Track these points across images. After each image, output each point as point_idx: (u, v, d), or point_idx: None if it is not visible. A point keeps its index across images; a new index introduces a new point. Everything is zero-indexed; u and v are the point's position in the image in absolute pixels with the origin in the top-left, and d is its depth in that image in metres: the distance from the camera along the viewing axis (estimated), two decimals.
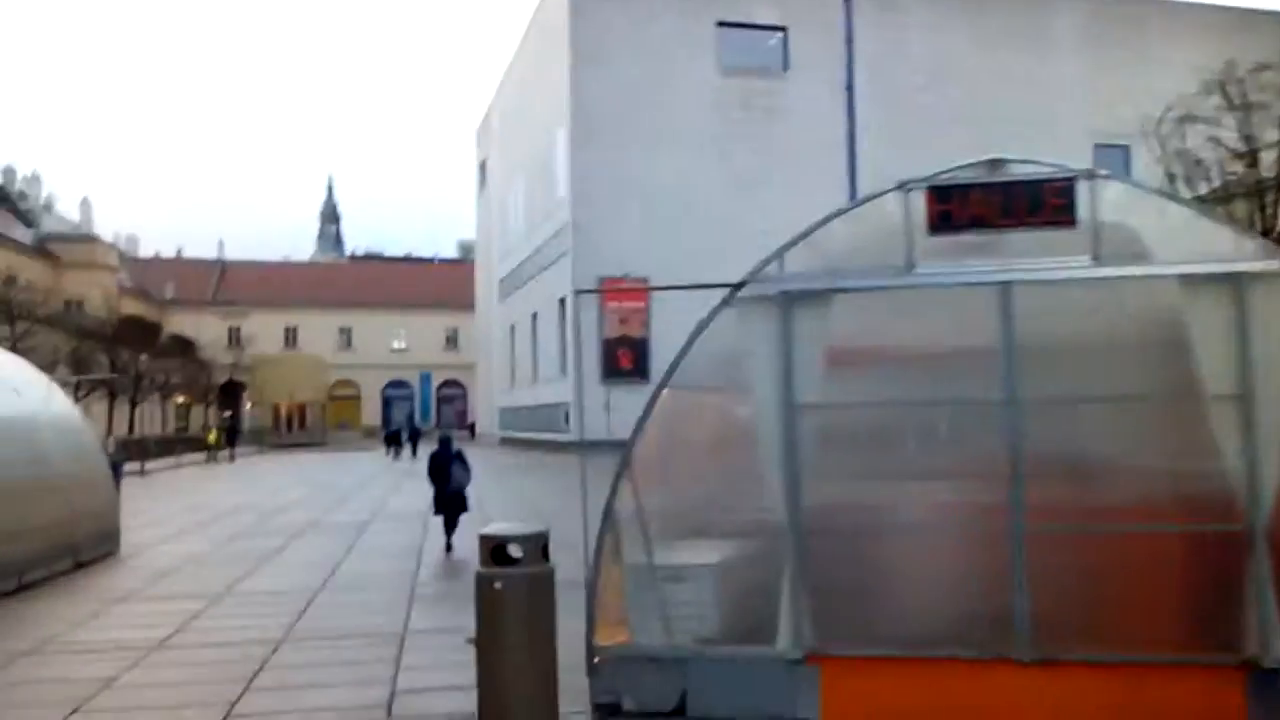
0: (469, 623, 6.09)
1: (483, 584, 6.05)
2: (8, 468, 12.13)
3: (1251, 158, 30.45)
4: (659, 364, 48.18)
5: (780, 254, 6.37)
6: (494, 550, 6.07)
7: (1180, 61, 53.99)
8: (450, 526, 14.31)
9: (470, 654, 6.09)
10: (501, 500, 21.45)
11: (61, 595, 11.50)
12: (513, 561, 6.06)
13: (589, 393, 48.02)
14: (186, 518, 20.52)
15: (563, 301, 51.32)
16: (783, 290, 6.26)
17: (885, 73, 51.09)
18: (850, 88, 51.04)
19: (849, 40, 51.02)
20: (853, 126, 51.00)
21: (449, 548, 14.17)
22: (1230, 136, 32.29)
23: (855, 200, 6.27)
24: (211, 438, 53.57)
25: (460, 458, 14.58)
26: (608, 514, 6.42)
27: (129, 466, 33.51)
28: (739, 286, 6.33)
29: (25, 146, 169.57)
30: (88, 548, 13.82)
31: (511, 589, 5.99)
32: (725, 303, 6.37)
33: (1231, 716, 5.86)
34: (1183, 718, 5.86)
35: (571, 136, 49.35)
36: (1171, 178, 32.71)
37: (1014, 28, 52.36)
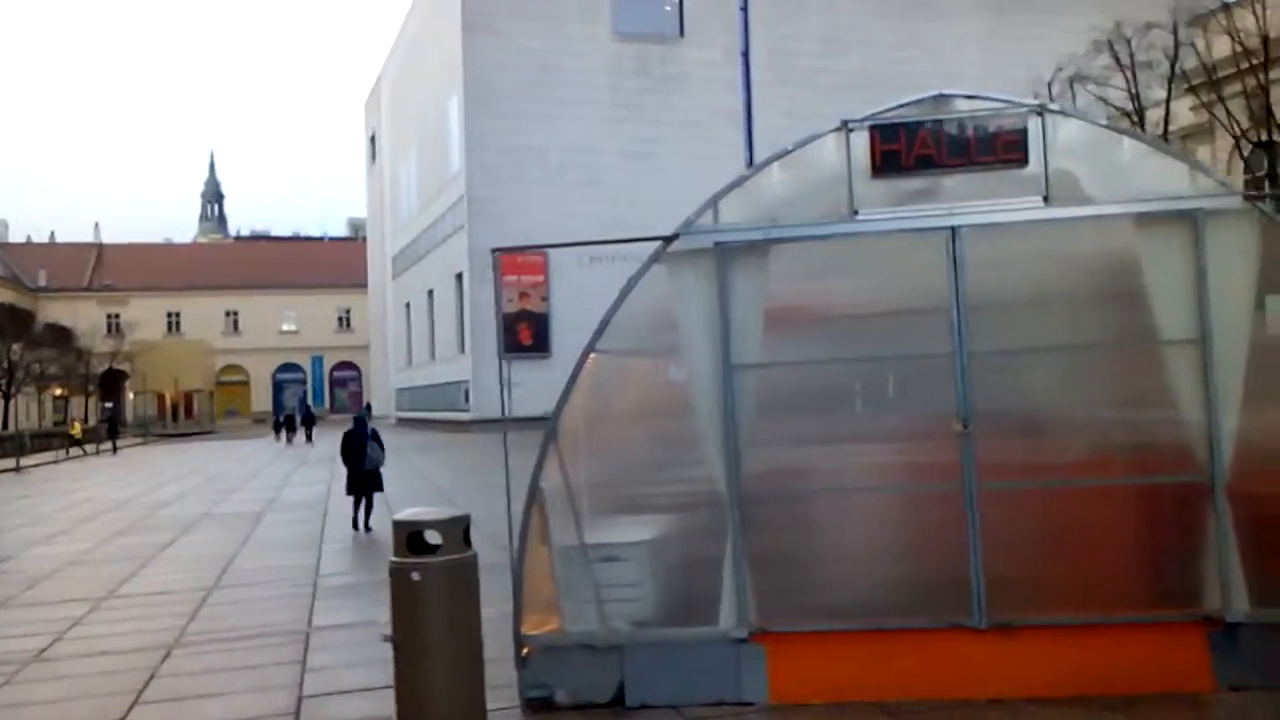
0: (379, 616, 5.48)
1: (399, 575, 5.43)
2: None
3: (1138, 116, 31.05)
4: (561, 340, 47.46)
5: (714, 202, 5.87)
6: (410, 538, 5.46)
7: (1073, 25, 55.04)
8: (366, 507, 14.18)
9: (385, 651, 5.49)
10: (401, 482, 20.64)
11: None
12: (431, 549, 5.46)
13: (489, 369, 47.27)
14: (66, 515, 19.27)
15: (459, 277, 50.18)
16: (718, 241, 5.76)
17: (781, 40, 50.92)
18: (745, 54, 50.77)
19: (744, 6, 50.68)
20: (749, 95, 50.78)
21: (358, 527, 14.06)
22: (1119, 96, 32.78)
23: (794, 143, 5.77)
24: (75, 431, 49.72)
25: (375, 437, 14.43)
26: (533, 491, 5.86)
27: (2, 464, 31.69)
28: (670, 239, 5.81)
29: None
30: None
31: (431, 579, 5.38)
32: (655, 258, 5.84)
33: (1195, 674, 5.62)
34: (1146, 678, 5.59)
35: (465, 106, 48.06)
36: None
37: None
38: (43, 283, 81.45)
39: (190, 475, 29.02)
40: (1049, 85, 33.34)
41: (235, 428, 75.09)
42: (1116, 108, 32.92)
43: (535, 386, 51.01)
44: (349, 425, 14.85)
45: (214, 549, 13.40)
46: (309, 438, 50.33)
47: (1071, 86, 32.85)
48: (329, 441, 48.40)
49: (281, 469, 29.97)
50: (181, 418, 76.01)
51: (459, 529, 5.51)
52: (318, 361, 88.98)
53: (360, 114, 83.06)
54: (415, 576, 5.39)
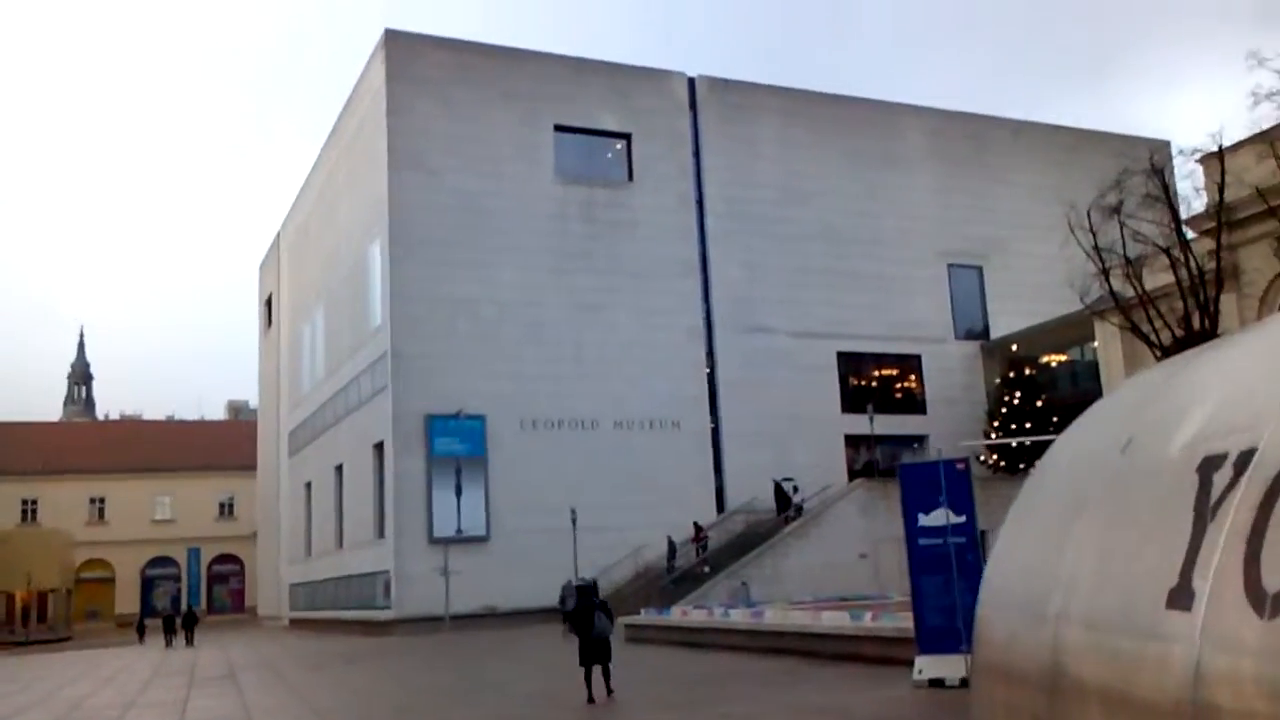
0: None
1: None
2: None
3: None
4: (500, 520, 40.29)
5: None
6: None
7: (1022, 181, 53.07)
8: (604, 674, 14.40)
9: None
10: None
11: None
12: None
13: (416, 557, 39.62)
14: None
15: (379, 446, 42.93)
16: None
17: (735, 187, 47.04)
18: (700, 202, 46.48)
19: (696, 152, 46.59)
20: (704, 243, 46.22)
21: (593, 699, 14.01)
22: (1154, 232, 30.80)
23: None
24: None
25: (603, 608, 14.82)
26: None
27: None
28: None
29: None
30: None
31: None
32: None
33: None
34: None
35: (390, 251, 42.02)
36: (1105, 271, 30.32)
37: (863, 145, 49.65)
38: None
39: (35, 710, 20.94)
40: (1088, 213, 30.44)
41: (96, 632, 64.51)
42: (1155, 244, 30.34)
43: (475, 575, 42.72)
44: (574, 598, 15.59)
45: None
46: (189, 640, 41.92)
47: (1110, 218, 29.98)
48: (214, 649, 39.95)
49: (168, 694, 22.00)
50: (34, 622, 64.95)
51: None
52: (194, 554, 78.79)
53: (248, 282, 76.45)
54: None
